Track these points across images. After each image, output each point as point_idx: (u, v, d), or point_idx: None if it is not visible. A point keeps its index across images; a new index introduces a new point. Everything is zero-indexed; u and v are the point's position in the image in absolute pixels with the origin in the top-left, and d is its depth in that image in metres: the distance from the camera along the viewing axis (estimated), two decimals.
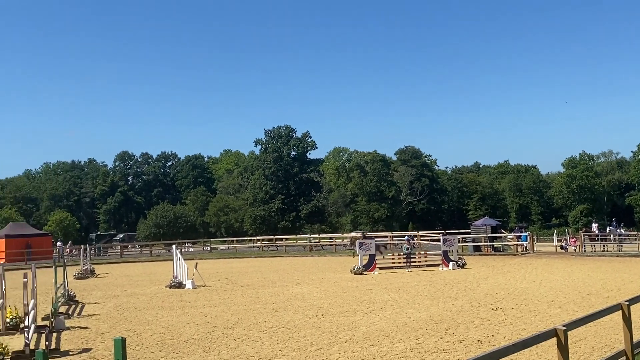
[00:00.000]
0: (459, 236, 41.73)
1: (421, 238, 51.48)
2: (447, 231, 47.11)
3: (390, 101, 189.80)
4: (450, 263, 31.42)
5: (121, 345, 4.92)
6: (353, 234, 57.87)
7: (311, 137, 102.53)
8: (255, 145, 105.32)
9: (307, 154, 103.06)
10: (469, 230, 49.45)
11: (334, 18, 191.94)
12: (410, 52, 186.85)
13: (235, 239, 70.10)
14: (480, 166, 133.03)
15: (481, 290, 22.07)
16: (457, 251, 34.24)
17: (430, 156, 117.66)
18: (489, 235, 44.56)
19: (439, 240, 34.84)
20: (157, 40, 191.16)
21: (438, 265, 31.69)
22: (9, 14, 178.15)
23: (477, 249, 43.95)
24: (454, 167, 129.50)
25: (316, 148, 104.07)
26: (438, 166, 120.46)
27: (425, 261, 32.73)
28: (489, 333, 13.66)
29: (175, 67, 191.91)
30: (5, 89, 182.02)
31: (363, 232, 57.72)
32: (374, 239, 43.25)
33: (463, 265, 31.65)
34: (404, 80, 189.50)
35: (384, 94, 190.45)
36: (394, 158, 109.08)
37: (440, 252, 32.24)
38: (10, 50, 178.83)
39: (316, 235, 65.54)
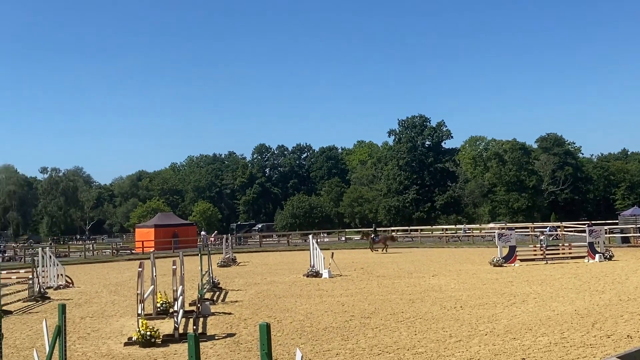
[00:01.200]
0: (606, 227, 39.49)
1: (565, 229, 49.30)
2: (592, 222, 44.79)
3: (529, 88, 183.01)
4: (597, 255, 29.78)
5: (266, 331, 4.99)
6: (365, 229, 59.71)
7: (446, 126, 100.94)
8: (389, 136, 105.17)
9: (442, 144, 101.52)
10: (617, 221, 46.80)
11: (467, 4, 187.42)
12: (553, 36, 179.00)
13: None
14: (629, 153, 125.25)
15: (630, 283, 20.74)
16: (604, 243, 32.40)
17: (574, 143, 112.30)
18: (638, 225, 41.94)
19: (583, 231, 33.15)
20: (298, 34, 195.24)
21: (583, 257, 30.15)
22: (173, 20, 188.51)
23: (625, 240, 41.45)
24: (600, 154, 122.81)
25: (451, 137, 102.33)
26: (582, 154, 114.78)
27: (570, 253, 31.25)
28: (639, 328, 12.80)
29: (312, 60, 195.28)
30: (158, 92, 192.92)
31: (374, 226, 57.11)
32: (380, 231, 46.80)
33: (610, 257, 29.92)
34: (543, 65, 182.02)
35: (523, 80, 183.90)
36: (535, 146, 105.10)
37: (586, 243, 30.65)
38: (165, 53, 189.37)
39: (460, 226, 64.43)
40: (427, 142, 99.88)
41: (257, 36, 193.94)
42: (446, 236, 55.06)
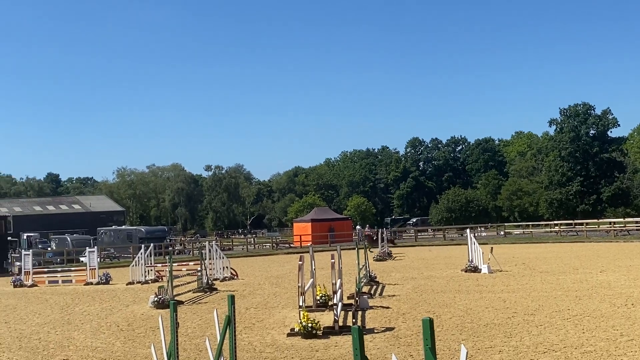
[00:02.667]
0: None
1: None
2: None
3: None
4: None
5: (429, 326, 4.90)
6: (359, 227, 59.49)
7: (612, 114, 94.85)
8: (550, 125, 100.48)
9: (608, 132, 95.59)
10: None
11: None
12: None
13: (530, 223, 67.77)
14: None
15: None
16: None
17: None
18: None
19: None
20: (447, 23, 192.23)
21: None
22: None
23: None
24: None
25: (618, 125, 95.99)
26: None
27: None
28: None
29: (464, 49, 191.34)
30: (314, 91, 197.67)
31: (368, 226, 54.65)
32: (376, 232, 46.05)
33: None
34: None
35: None
36: None
37: None
38: (318, 51, 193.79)
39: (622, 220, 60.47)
40: (592, 131, 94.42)
41: (405, 30, 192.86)
42: (614, 230, 51.81)
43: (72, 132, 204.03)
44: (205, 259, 25.62)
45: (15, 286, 28.98)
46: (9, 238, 45.78)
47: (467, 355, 4.84)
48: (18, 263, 36.92)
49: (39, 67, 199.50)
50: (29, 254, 31.22)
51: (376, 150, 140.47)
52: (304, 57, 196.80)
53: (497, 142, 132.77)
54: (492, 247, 28.47)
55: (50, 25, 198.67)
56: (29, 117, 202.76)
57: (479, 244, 28.04)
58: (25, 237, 65.49)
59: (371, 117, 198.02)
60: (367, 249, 36.68)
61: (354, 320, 14.60)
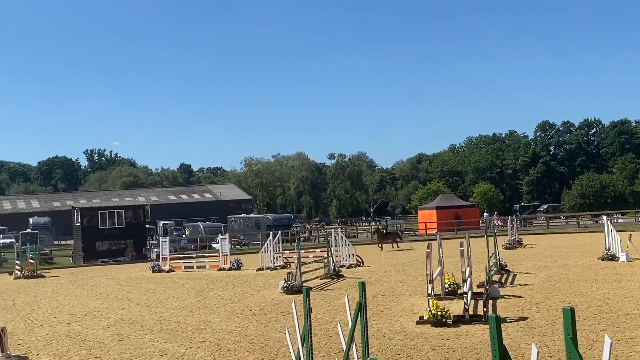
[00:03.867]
0: None
1: None
2: None
3: None
4: None
5: (570, 315, 4.69)
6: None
7: None
8: None
9: None
10: None
11: None
12: None
13: None
14: None
15: None
16: None
17: None
18: None
19: None
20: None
21: None
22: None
23: None
24: None
25: None
26: None
27: None
28: None
29: (586, 28, 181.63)
30: (435, 79, 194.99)
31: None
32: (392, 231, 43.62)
33: None
34: None
35: None
36: None
37: None
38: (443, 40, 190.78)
39: None
40: None
41: (532, 10, 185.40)
42: None
43: (203, 124, 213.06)
44: (332, 246, 25.90)
45: (154, 271, 30.58)
46: (147, 226, 48.29)
47: (611, 346, 4.59)
48: (156, 249, 38.99)
49: (178, 67, 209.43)
50: (165, 241, 32.84)
51: (503, 135, 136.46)
52: (426, 45, 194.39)
53: (634, 124, 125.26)
54: (630, 235, 26.93)
55: (201, 28, 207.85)
56: (165, 112, 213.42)
57: (617, 231, 26.59)
58: (161, 225, 69.12)
59: (497, 101, 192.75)
60: (392, 244, 35.85)
61: (484, 309, 14.26)
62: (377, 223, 48.76)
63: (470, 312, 13.65)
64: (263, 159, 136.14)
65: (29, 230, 65.69)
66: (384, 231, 42.24)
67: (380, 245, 38.89)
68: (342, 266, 26.33)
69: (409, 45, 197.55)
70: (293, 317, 8.80)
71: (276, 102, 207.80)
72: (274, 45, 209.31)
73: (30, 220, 76.37)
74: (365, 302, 7.59)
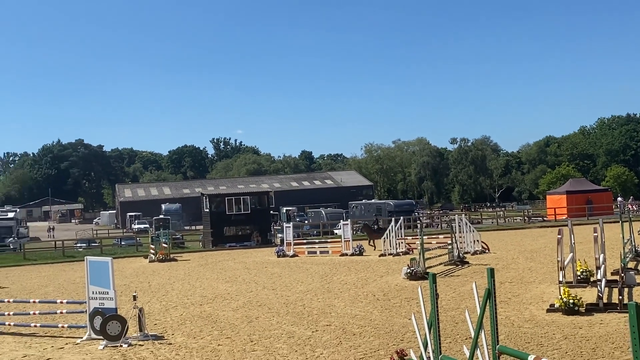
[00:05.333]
0: None
1: None
2: None
3: None
4: None
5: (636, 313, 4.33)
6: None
7: None
8: None
9: None
10: None
11: None
12: None
13: None
14: None
15: None
16: None
17: None
18: None
19: None
20: None
21: None
22: None
23: None
24: None
25: None
26: None
27: None
28: None
29: None
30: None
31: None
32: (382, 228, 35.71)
33: None
34: None
35: None
36: None
37: None
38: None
39: None
40: None
41: None
42: None
43: (323, 112, 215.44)
44: (456, 233, 25.45)
45: (278, 256, 31.31)
46: (271, 212, 49.47)
47: None
48: (280, 235, 39.90)
49: (300, 57, 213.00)
50: (289, 227, 33.51)
51: (638, 115, 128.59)
52: (554, 21, 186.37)
53: None
54: None
55: (327, 13, 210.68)
56: (287, 101, 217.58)
57: None
58: (284, 211, 70.65)
59: (632, 80, 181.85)
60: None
61: (620, 297, 13.53)
62: (372, 220, 41.57)
63: (605, 300, 13.01)
64: (383, 144, 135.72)
65: (161, 216, 69.16)
66: (375, 227, 37.02)
67: (371, 242, 34.16)
68: (466, 253, 25.82)
69: (535, 20, 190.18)
70: (418, 303, 8.72)
71: (395, 88, 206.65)
72: (392, 30, 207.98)
73: (163, 206, 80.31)
74: (494, 288, 7.37)
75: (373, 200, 77.93)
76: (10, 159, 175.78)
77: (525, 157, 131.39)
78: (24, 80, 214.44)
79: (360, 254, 29.67)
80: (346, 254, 29.82)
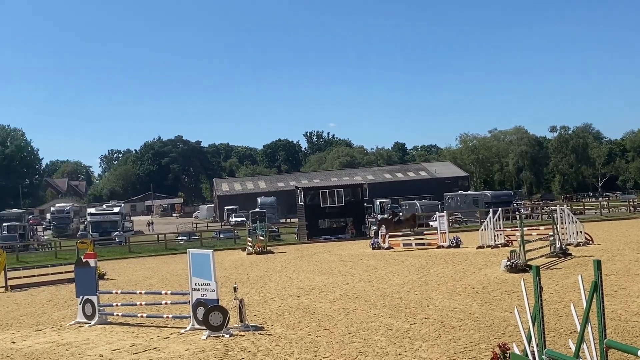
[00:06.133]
0: None
1: None
2: None
3: None
4: None
5: None
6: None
7: None
8: None
9: None
10: None
11: None
12: None
13: None
14: None
15: None
16: None
17: None
18: None
19: None
20: None
21: None
22: None
23: None
24: None
25: None
26: None
27: None
28: None
29: None
30: None
31: (392, 210, 40.54)
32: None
33: None
34: None
35: None
36: None
37: None
38: None
39: None
40: None
41: None
42: None
43: (415, 103, 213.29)
44: (557, 224, 24.62)
45: (373, 248, 31.25)
46: (365, 204, 49.46)
47: None
48: (374, 227, 39.82)
49: (387, 47, 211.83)
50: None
51: None
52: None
53: None
54: None
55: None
56: (378, 93, 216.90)
57: None
58: (377, 203, 70.49)
59: None
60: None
61: None
62: (389, 216, 38.35)
63: None
64: (479, 134, 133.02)
65: (257, 209, 70.49)
66: (396, 219, 33.52)
67: (384, 241, 31.23)
68: (569, 244, 24.94)
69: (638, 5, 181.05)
70: (519, 296, 8.50)
71: (491, 76, 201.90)
72: (487, 17, 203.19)
73: (259, 199, 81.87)
74: (601, 281, 7.07)
75: (469, 192, 76.59)
76: (114, 156, 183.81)
77: (630, 144, 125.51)
78: (126, 81, 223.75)
79: (457, 246, 29.22)
80: (442, 246, 29.44)
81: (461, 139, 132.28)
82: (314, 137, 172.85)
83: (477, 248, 27.78)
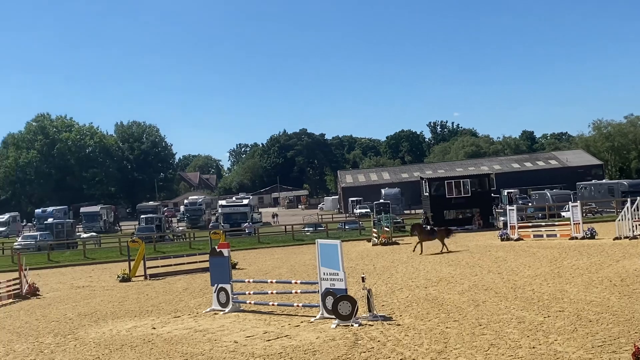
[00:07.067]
0: None
1: None
2: None
3: None
4: None
5: None
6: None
7: None
8: None
9: None
10: None
11: None
12: None
13: None
14: None
15: None
16: None
17: None
18: None
19: None
20: None
21: None
22: None
23: None
24: None
25: None
26: None
27: None
28: None
29: None
30: None
31: (426, 216, 35.60)
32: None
33: None
34: None
35: None
36: None
37: None
38: None
39: None
40: None
41: None
42: None
43: (544, 90, 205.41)
44: None
45: (502, 239, 30.48)
46: (492, 195, 48.27)
47: None
48: (502, 218, 38.79)
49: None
50: (513, 209, 32.44)
51: None
52: None
53: None
54: None
55: None
56: (503, 81, 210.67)
57: None
58: (505, 193, 68.61)
59: None
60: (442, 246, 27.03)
61: None
62: (422, 221, 34.96)
63: None
64: (614, 120, 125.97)
65: (381, 201, 70.44)
66: (428, 227, 29.31)
67: (418, 247, 27.71)
68: None
69: None
70: None
71: (625, 58, 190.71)
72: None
73: (383, 191, 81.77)
74: None
75: (604, 181, 72.87)
76: (242, 149, 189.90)
77: None
78: (252, 77, 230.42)
79: (592, 237, 27.95)
80: (576, 237, 28.26)
81: (594, 125, 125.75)
82: (438, 127, 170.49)
83: (613, 239, 26.43)
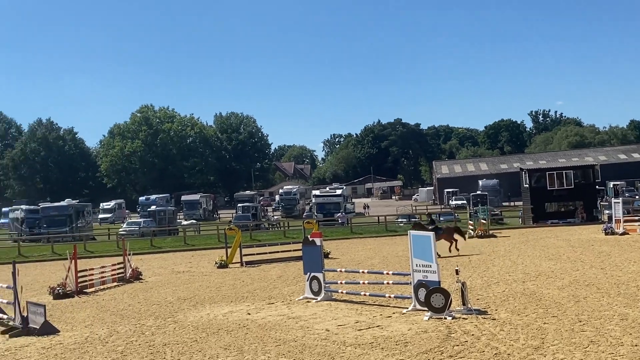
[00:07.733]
0: None
1: None
2: None
3: None
4: None
5: None
6: None
7: None
8: None
9: None
10: None
11: None
12: None
13: None
14: None
15: None
16: None
17: None
18: None
19: None
20: None
21: None
22: None
23: None
24: None
25: None
26: None
27: None
28: None
29: None
30: None
31: (430, 216, 28.85)
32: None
33: None
34: None
35: None
36: None
37: None
38: None
39: None
40: None
41: None
42: None
43: None
44: None
45: (606, 234, 29.28)
46: (597, 187, 46.35)
47: None
48: (607, 211, 37.18)
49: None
50: (618, 202, 31.07)
51: None
52: None
53: None
54: None
55: None
56: (609, 68, 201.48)
57: None
58: (611, 186, 65.73)
59: None
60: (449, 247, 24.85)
61: None
62: (425, 221, 30.48)
63: None
64: None
65: (478, 192, 69.05)
66: (432, 227, 25.32)
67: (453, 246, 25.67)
68: None
69: None
70: None
71: None
72: None
73: (480, 182, 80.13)
74: None
75: None
76: (336, 140, 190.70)
77: None
78: (344, 69, 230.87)
79: None
80: None
81: None
82: (540, 116, 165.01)
83: None
